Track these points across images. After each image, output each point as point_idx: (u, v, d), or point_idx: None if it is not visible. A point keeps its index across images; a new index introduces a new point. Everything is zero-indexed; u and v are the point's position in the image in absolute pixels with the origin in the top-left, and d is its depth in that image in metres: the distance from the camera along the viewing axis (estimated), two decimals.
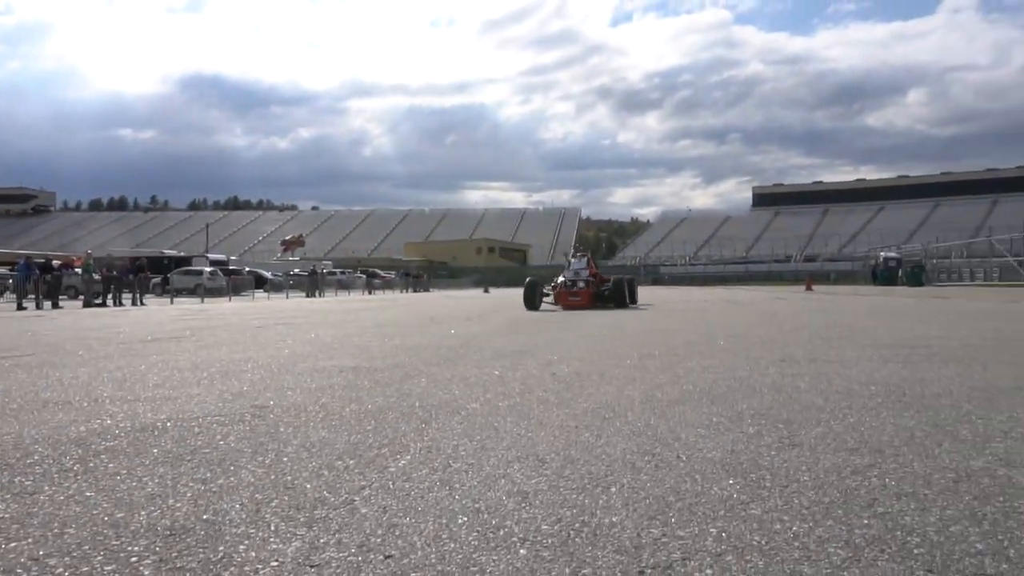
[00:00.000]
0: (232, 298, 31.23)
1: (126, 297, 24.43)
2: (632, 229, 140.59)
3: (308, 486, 2.44)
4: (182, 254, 50.16)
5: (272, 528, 2.03)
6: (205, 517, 2.12)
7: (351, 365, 5.88)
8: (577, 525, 2.03)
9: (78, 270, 25.78)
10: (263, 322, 12.91)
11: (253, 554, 1.85)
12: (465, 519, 2.09)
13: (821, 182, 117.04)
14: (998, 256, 43.24)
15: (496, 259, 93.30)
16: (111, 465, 2.73)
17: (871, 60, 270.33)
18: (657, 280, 69.16)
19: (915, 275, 42.33)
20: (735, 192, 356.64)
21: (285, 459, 2.81)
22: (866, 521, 2.03)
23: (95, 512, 2.18)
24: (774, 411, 3.66)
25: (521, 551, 1.85)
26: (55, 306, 21.05)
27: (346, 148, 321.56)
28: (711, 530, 1.98)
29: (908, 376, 4.83)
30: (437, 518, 2.10)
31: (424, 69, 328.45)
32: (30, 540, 1.95)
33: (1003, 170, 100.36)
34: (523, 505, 2.21)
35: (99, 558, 1.83)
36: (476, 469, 2.63)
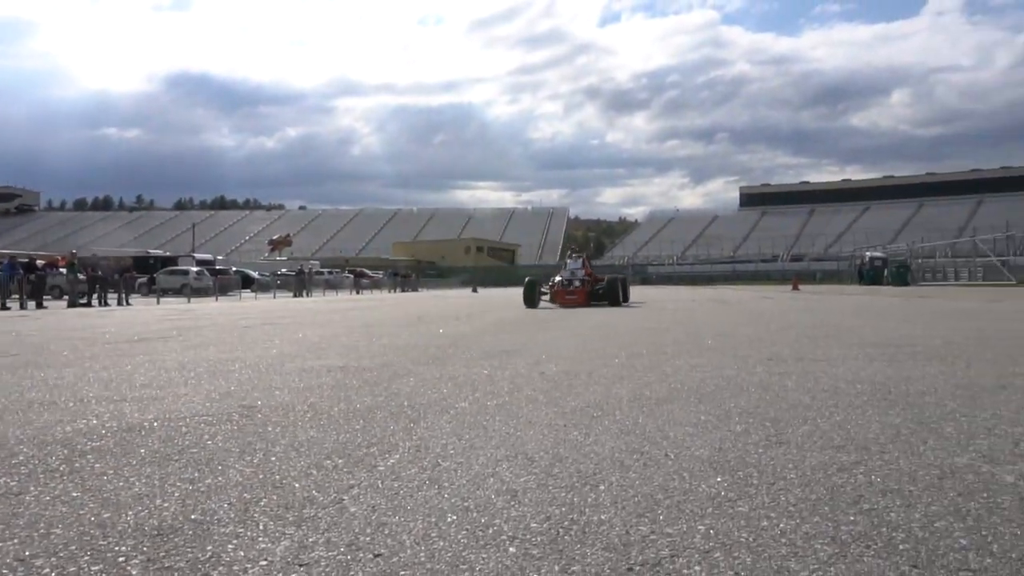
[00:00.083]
0: (219, 298, 31.07)
1: (111, 297, 24.25)
2: (620, 229, 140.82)
3: (297, 485, 2.43)
4: (168, 254, 49.89)
5: (261, 527, 2.03)
6: (193, 517, 2.12)
7: (339, 365, 5.86)
8: (566, 523, 2.04)
9: (63, 270, 25.58)
10: (250, 322, 12.86)
11: (242, 553, 1.84)
12: (454, 517, 2.09)
13: (807, 182, 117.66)
14: (982, 256, 43.60)
15: (485, 259, 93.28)
16: (98, 465, 2.72)
17: (856, 61, 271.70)
18: (645, 280, 69.32)
19: (900, 275, 42.63)
20: (723, 192, 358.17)
21: (273, 458, 2.80)
22: (852, 517, 2.05)
23: (82, 512, 2.17)
24: (761, 409, 3.68)
25: (510, 549, 1.86)
26: (39, 306, 20.88)
27: (334, 147, 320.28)
28: (699, 527, 1.99)
29: (893, 374, 4.87)
30: (426, 517, 2.10)
31: (412, 68, 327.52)
32: (16, 541, 1.93)
33: (987, 171, 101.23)
34: (512, 503, 2.22)
35: (86, 558, 1.82)
36: (465, 468, 2.64)
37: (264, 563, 1.78)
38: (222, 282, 34.94)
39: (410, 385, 4.70)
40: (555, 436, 3.14)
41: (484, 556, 1.81)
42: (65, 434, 3.26)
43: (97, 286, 23.69)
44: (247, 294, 35.74)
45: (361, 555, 1.83)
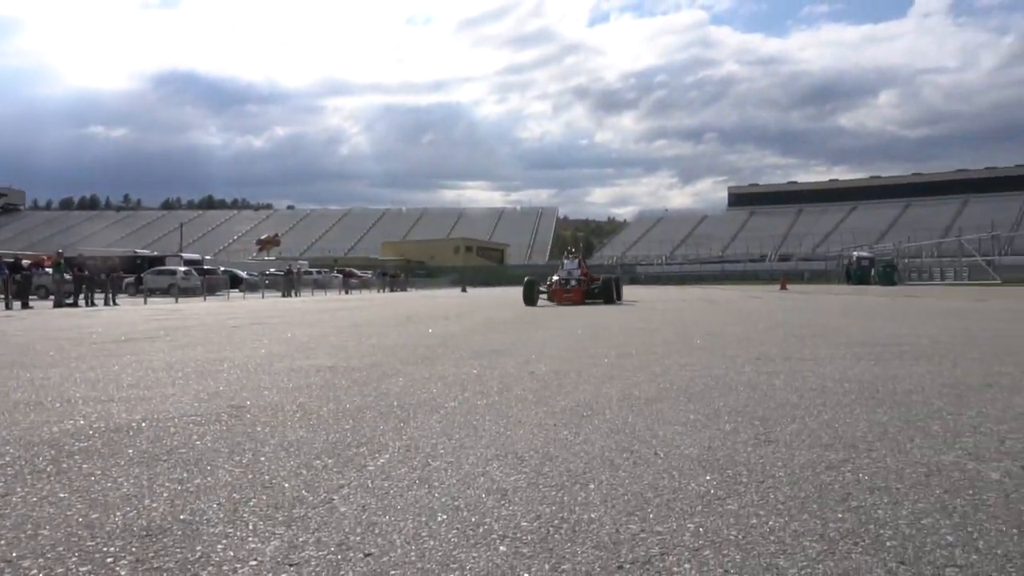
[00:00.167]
0: (207, 298, 30.91)
1: (98, 297, 24.09)
2: (609, 228, 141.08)
3: (286, 485, 2.42)
4: (155, 253, 49.60)
5: (250, 527, 2.02)
6: (182, 517, 2.11)
7: (328, 364, 5.85)
8: (556, 522, 2.04)
9: (49, 269, 25.37)
10: (239, 322, 12.80)
11: (231, 553, 1.84)
12: (444, 517, 2.09)
13: (795, 182, 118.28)
14: (968, 256, 43.94)
15: (474, 258, 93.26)
16: (85, 466, 2.70)
17: (843, 62, 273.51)
18: (634, 279, 69.41)
19: (887, 274, 42.94)
20: (711, 192, 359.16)
21: (263, 458, 2.79)
22: (840, 515, 2.06)
23: (69, 513, 2.15)
24: (750, 408, 3.70)
25: (501, 548, 1.86)
26: (25, 306, 20.70)
27: (322, 147, 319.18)
28: (689, 525, 2.00)
29: (880, 373, 4.91)
30: (416, 516, 2.10)
31: (401, 67, 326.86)
32: (3, 542, 1.92)
33: (972, 171, 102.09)
34: (502, 502, 2.22)
35: (74, 559, 1.81)
36: (455, 467, 2.64)
37: (254, 563, 1.78)
38: (210, 282, 34.77)
39: (400, 385, 4.70)
40: (545, 435, 3.14)
41: (474, 555, 1.81)
42: (52, 435, 3.24)
43: (84, 286, 23.52)
44: (235, 294, 35.60)
45: (351, 555, 1.82)
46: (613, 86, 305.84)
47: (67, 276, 23.30)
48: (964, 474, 2.45)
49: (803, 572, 1.69)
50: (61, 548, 1.88)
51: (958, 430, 3.12)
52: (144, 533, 1.98)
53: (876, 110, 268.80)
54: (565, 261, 20.98)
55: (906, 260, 49.16)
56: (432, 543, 1.89)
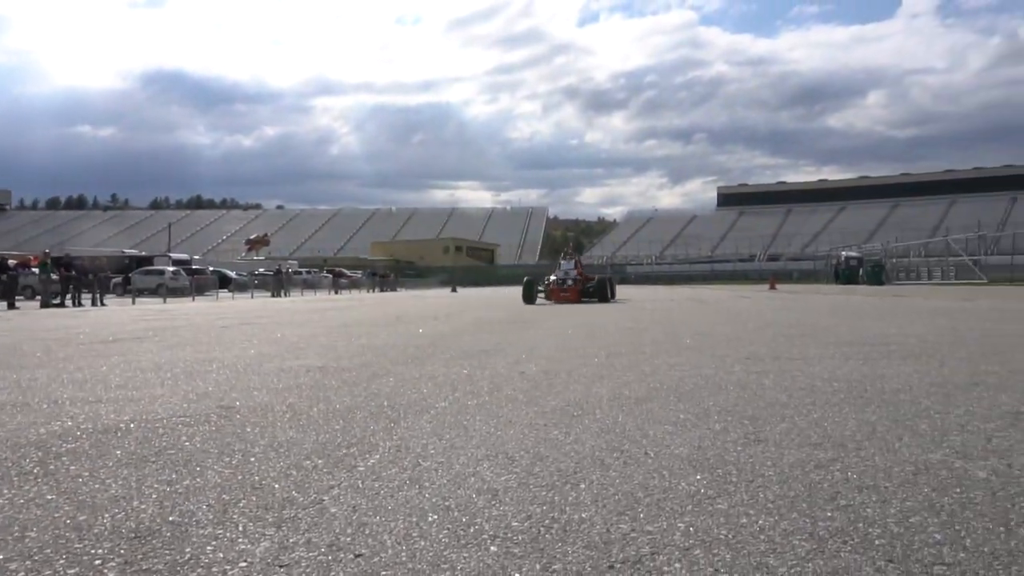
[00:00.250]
0: (195, 298, 30.75)
1: (85, 297, 23.92)
2: (599, 228, 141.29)
3: (276, 486, 2.42)
4: (143, 253, 49.31)
5: (240, 529, 2.01)
6: (171, 519, 2.10)
7: (318, 365, 5.83)
8: (547, 521, 2.04)
9: (35, 269, 25.15)
10: (228, 322, 12.74)
11: (221, 555, 1.83)
12: (435, 517, 2.09)
13: (784, 182, 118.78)
14: (955, 256, 44.24)
15: (464, 258, 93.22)
16: (73, 467, 2.68)
17: (832, 62, 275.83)
18: (624, 279, 69.37)
19: (875, 274, 43.18)
20: (701, 192, 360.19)
21: (252, 459, 2.78)
22: (829, 514, 2.07)
23: (57, 515, 2.14)
24: (740, 408, 3.71)
25: (492, 548, 1.86)
26: (11, 307, 20.53)
27: (311, 147, 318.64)
28: (679, 525, 2.00)
29: (869, 372, 4.93)
30: (407, 516, 2.10)
31: (390, 67, 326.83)
32: None
33: (960, 171, 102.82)
34: (493, 502, 2.22)
35: (61, 561, 1.79)
36: (446, 467, 2.63)
37: (244, 564, 1.77)
38: (199, 282, 34.59)
39: (390, 385, 4.69)
40: (536, 435, 3.15)
41: (465, 555, 1.81)
42: (39, 436, 3.22)
43: (71, 286, 23.34)
44: (224, 294, 35.43)
45: (342, 555, 1.82)
46: (603, 86, 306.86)
47: (54, 276, 23.11)
48: (952, 472, 2.47)
49: (793, 571, 1.69)
50: (48, 550, 1.86)
51: (945, 429, 3.14)
52: (133, 535, 1.97)
53: (865, 111, 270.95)
54: (562, 262, 22.04)
55: (894, 260, 49.44)
56: (423, 543, 1.89)
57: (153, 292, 31.36)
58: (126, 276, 34.37)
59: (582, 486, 2.37)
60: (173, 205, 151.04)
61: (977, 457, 2.66)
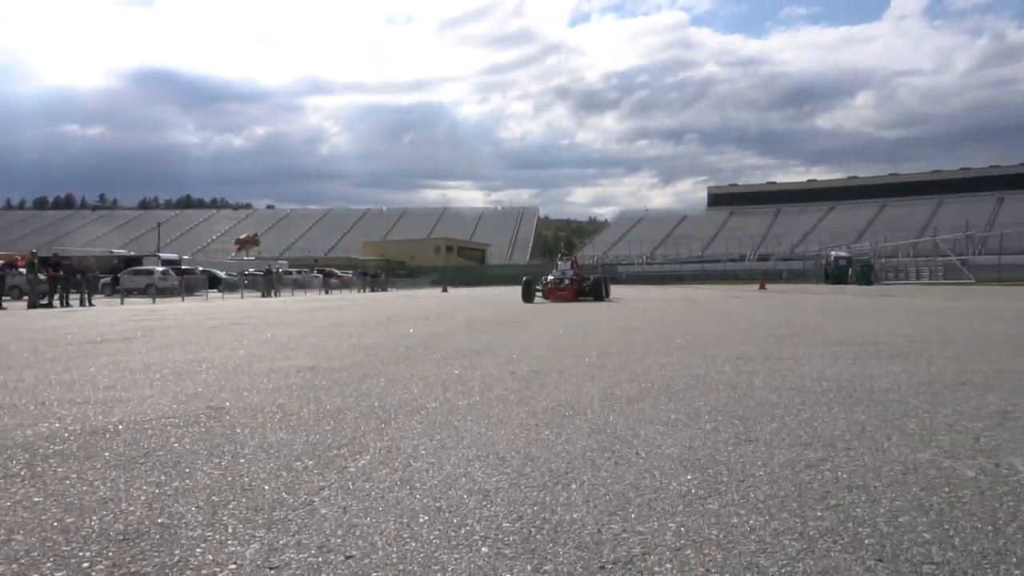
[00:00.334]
0: (185, 298, 30.58)
1: (73, 298, 23.76)
2: (590, 228, 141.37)
3: (266, 487, 2.40)
4: (132, 253, 49.06)
5: (230, 530, 2.00)
6: (160, 521, 2.08)
7: (309, 365, 5.81)
8: (538, 522, 2.04)
9: (23, 270, 24.97)
10: (217, 322, 12.69)
11: (210, 557, 1.82)
12: (426, 518, 2.09)
13: (774, 183, 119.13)
14: (943, 256, 44.58)
15: (455, 258, 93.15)
16: (60, 469, 2.66)
17: (821, 63, 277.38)
18: (615, 279, 69.43)
19: (864, 274, 43.40)
20: (691, 192, 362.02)
21: (242, 460, 2.76)
22: (819, 513, 2.08)
23: (44, 518, 2.12)
24: (730, 407, 3.72)
25: (483, 549, 1.85)
26: None
27: (302, 146, 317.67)
28: (670, 525, 2.01)
29: (858, 372, 4.96)
30: (398, 518, 2.09)
31: (381, 67, 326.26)
32: None
33: (947, 172, 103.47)
34: (484, 503, 2.22)
35: (49, 564, 1.78)
36: (436, 468, 2.63)
37: (233, 567, 1.76)
38: (188, 282, 34.38)
39: (380, 385, 4.68)
40: (527, 435, 3.14)
41: (456, 556, 1.81)
42: (26, 438, 3.19)
43: (59, 286, 23.17)
44: (214, 294, 35.27)
45: (332, 557, 1.81)
46: (594, 86, 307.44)
47: (41, 276, 22.95)
48: (940, 472, 2.48)
49: (783, 570, 1.70)
50: (36, 553, 1.85)
51: (934, 428, 3.16)
52: (121, 537, 1.96)
53: (853, 111, 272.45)
54: (559, 262, 23.57)
55: (883, 260, 49.74)
56: (414, 545, 1.89)
57: (142, 292, 31.17)
58: (115, 276, 34.15)
59: (573, 486, 2.37)
60: (162, 205, 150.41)
61: (965, 456, 2.68)
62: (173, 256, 51.14)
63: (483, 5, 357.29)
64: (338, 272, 56.20)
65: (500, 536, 1.94)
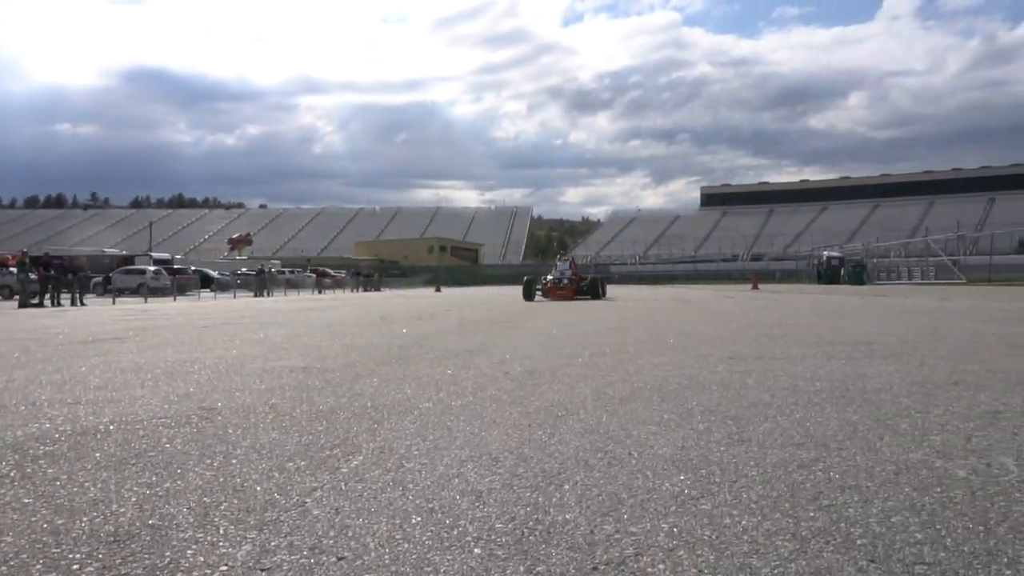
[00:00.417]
0: (177, 298, 30.50)
1: (65, 297, 23.65)
2: (583, 228, 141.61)
3: (258, 488, 2.39)
4: (124, 253, 48.86)
5: (221, 532, 1.99)
6: (151, 522, 2.07)
7: (301, 365, 5.80)
8: (531, 523, 2.04)
9: (13, 269, 24.84)
10: (210, 322, 12.65)
11: (201, 559, 1.81)
12: (419, 519, 2.08)
13: (767, 183, 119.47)
14: (934, 256, 44.78)
15: (448, 258, 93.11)
16: (50, 470, 2.64)
17: (814, 64, 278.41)
18: (608, 279, 69.63)
19: (856, 274, 43.56)
20: (684, 192, 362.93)
21: (234, 461, 2.75)
22: (812, 514, 2.08)
23: (33, 519, 2.11)
24: (723, 408, 3.72)
25: (475, 550, 1.85)
26: None
27: (295, 145, 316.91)
28: (663, 525, 2.00)
29: (850, 372, 4.97)
30: (390, 519, 2.09)
31: (375, 66, 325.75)
32: None
33: (939, 172, 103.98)
34: (477, 504, 2.21)
35: (38, 567, 1.77)
36: (429, 469, 2.62)
37: (224, 568, 1.75)
38: (180, 281, 34.31)
39: (373, 385, 4.67)
40: (519, 436, 3.14)
41: (449, 558, 1.80)
42: (16, 438, 3.17)
43: (50, 286, 23.06)
44: (206, 294, 35.16)
45: (324, 558, 1.81)
46: (587, 86, 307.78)
47: (32, 276, 22.84)
48: (932, 472, 2.49)
49: (776, 571, 1.70)
50: (25, 555, 1.83)
51: (926, 428, 3.17)
52: (111, 539, 1.94)
53: (846, 112, 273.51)
54: (558, 263, 25.40)
55: (875, 260, 49.93)
56: (406, 546, 1.88)
57: (134, 292, 31.08)
58: (106, 276, 34.02)
59: (566, 487, 2.37)
60: (155, 204, 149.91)
61: (957, 456, 2.69)
62: (165, 255, 50.98)
63: (476, 5, 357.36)
64: (331, 272, 56.07)
65: (493, 537, 1.94)
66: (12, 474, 2.60)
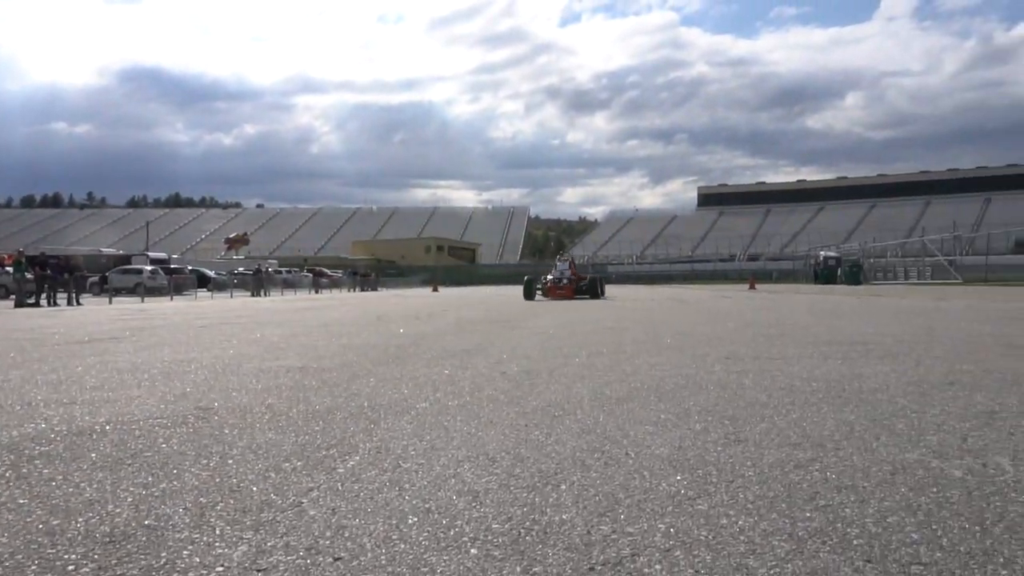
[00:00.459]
0: (174, 297, 30.45)
1: (61, 297, 23.60)
2: (580, 228, 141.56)
3: (254, 488, 2.39)
4: (121, 252, 48.78)
5: (217, 532, 1.99)
6: (147, 522, 2.07)
7: (298, 365, 5.79)
8: (528, 523, 2.04)
9: (9, 269, 24.78)
10: (206, 322, 12.63)
11: (198, 559, 1.80)
12: (415, 519, 2.08)
13: (764, 183, 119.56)
14: (930, 256, 44.86)
15: (445, 258, 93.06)
16: (46, 471, 2.64)
17: (811, 64, 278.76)
18: (605, 279, 69.61)
19: (853, 274, 43.64)
20: (682, 192, 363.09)
21: (230, 461, 2.75)
22: (808, 514, 2.08)
23: (29, 520, 2.10)
24: (720, 407, 3.73)
25: (472, 550, 1.85)
26: None
27: (292, 145, 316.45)
28: (659, 526, 2.00)
29: (847, 372, 4.98)
30: (387, 519, 2.09)
31: (372, 66, 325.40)
32: None
33: (935, 172, 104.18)
34: (474, 504, 2.21)
35: (34, 567, 1.76)
36: (426, 469, 2.62)
37: (221, 569, 1.75)
38: (177, 281, 34.22)
39: (370, 385, 4.66)
40: (516, 436, 3.14)
41: (446, 558, 1.80)
42: (11, 439, 3.16)
43: (46, 285, 23.01)
44: (203, 293, 35.12)
45: (321, 559, 1.80)
46: (585, 86, 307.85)
47: (28, 275, 22.78)
48: (928, 472, 2.49)
49: (772, 572, 1.70)
50: (20, 556, 1.83)
51: (922, 428, 3.17)
52: (107, 539, 1.94)
53: (843, 112, 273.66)
54: (558, 263, 25.93)
55: (871, 260, 50.02)
56: (403, 546, 1.88)
57: (131, 291, 31.02)
58: (103, 275, 33.95)
59: (563, 487, 2.37)
60: (151, 203, 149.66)
61: (953, 456, 2.69)
62: (162, 255, 50.87)
63: (474, 5, 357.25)
64: (328, 271, 56.06)
65: (489, 537, 1.94)
66: (8, 474, 2.59)
